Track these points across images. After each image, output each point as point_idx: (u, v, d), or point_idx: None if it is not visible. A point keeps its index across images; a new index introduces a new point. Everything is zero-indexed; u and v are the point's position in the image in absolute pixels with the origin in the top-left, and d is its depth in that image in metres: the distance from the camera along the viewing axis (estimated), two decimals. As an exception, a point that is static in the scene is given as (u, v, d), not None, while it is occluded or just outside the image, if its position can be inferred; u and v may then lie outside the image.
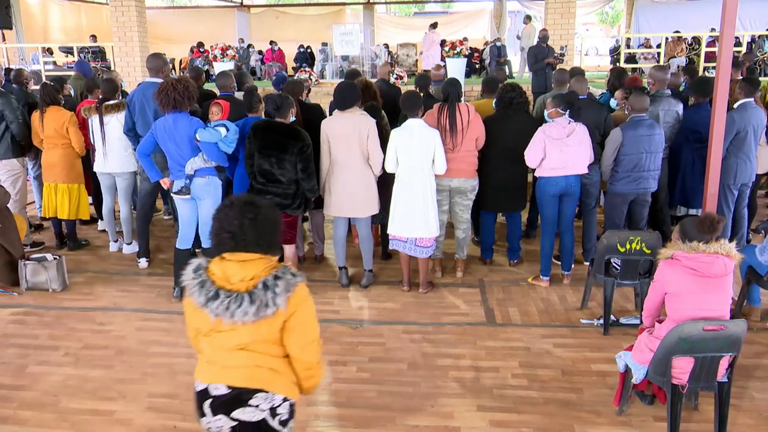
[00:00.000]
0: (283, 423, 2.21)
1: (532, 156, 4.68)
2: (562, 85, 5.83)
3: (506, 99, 5.02)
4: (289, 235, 4.75)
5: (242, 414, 2.15)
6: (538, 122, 4.99)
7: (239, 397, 2.15)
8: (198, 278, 2.13)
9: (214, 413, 2.19)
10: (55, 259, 5.02)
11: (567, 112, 4.64)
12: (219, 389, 2.16)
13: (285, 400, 2.20)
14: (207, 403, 2.19)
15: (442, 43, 13.59)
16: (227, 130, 4.51)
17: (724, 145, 4.87)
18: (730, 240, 4.50)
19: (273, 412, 2.18)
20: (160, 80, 5.05)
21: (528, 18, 14.17)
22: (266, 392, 2.16)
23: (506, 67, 13.15)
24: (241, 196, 2.23)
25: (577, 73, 5.89)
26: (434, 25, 15.07)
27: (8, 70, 7.29)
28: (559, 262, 5.08)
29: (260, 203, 2.18)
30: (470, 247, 5.28)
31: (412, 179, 4.56)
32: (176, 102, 4.35)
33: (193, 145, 4.45)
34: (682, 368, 2.91)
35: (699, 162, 5.16)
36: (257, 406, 2.16)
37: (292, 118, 4.58)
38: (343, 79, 6.49)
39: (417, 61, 16.37)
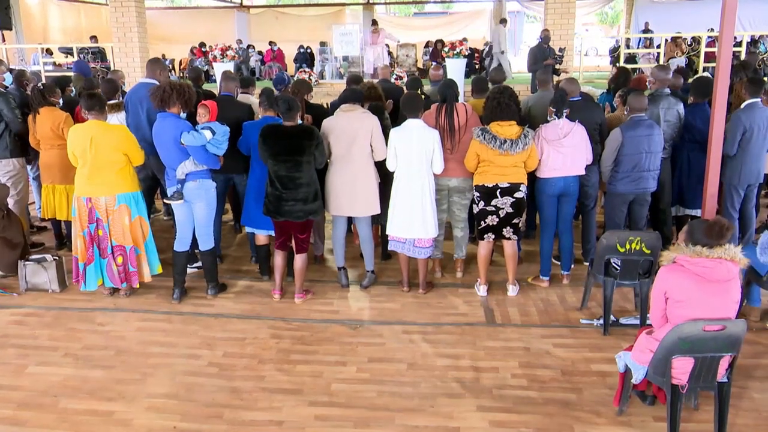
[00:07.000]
0: (526, 197, 4.63)
1: None
2: (546, 86, 5.81)
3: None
4: (303, 239, 4.62)
5: (517, 194, 4.51)
6: (528, 124, 4.95)
7: (515, 187, 4.49)
8: (489, 134, 4.35)
9: (502, 196, 4.49)
10: (54, 259, 5.02)
11: (557, 113, 4.62)
12: (504, 185, 4.46)
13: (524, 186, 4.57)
14: (498, 192, 4.48)
15: (442, 43, 13.58)
16: (213, 133, 4.48)
17: (731, 144, 4.86)
18: (740, 240, 4.46)
19: (524, 192, 4.54)
20: (153, 81, 5.07)
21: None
22: (523, 184, 4.51)
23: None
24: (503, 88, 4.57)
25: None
26: (375, 22, 16.98)
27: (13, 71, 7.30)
28: (559, 263, 5.08)
29: (512, 93, 4.51)
30: (470, 248, 5.28)
31: (410, 180, 4.56)
32: (162, 102, 4.41)
33: (179, 148, 4.44)
34: (682, 368, 2.91)
35: (694, 162, 5.16)
36: (522, 190, 4.52)
37: (299, 121, 4.55)
38: (344, 82, 6.77)
39: (416, 61, 16.38)
